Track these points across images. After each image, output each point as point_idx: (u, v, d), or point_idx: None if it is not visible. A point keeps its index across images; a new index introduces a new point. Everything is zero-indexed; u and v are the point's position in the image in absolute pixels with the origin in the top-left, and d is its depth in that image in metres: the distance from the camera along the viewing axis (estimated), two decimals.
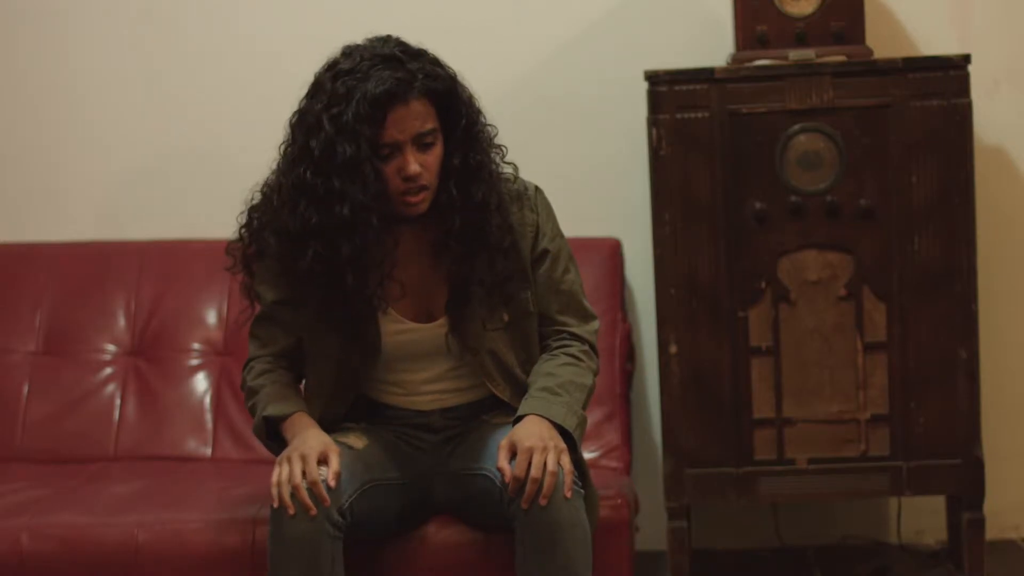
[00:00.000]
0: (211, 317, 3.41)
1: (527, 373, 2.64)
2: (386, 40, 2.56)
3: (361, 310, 2.56)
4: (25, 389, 3.37)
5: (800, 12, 3.22)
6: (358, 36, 3.54)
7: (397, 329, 2.62)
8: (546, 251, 2.66)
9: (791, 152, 3.14)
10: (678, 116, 3.14)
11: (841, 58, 3.18)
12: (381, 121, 2.46)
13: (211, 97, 3.62)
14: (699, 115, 3.14)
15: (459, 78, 2.58)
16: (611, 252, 3.46)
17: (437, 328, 2.62)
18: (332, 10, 3.59)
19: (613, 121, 3.55)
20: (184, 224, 3.58)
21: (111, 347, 3.41)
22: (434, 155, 2.52)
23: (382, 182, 2.49)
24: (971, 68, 3.13)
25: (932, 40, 3.50)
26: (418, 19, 3.56)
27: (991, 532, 3.37)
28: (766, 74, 3.14)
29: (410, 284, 2.61)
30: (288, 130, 2.56)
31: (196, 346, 3.40)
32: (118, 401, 3.36)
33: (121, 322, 3.43)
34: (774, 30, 3.21)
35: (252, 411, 2.64)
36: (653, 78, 3.15)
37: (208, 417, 3.34)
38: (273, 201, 2.55)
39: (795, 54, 3.16)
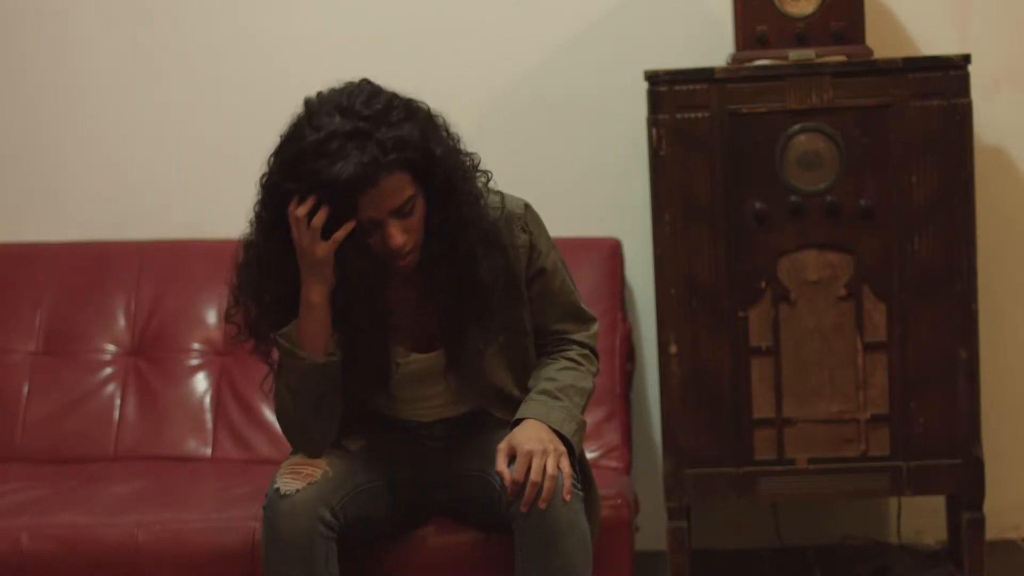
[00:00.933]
0: (211, 317, 3.41)
1: (523, 389, 2.62)
2: (350, 97, 2.42)
3: (375, 361, 2.56)
4: (25, 389, 3.37)
5: (800, 12, 3.22)
6: (358, 37, 3.58)
7: (399, 362, 2.61)
8: (542, 269, 2.62)
9: (791, 152, 3.14)
10: (678, 116, 3.14)
11: (841, 58, 3.18)
12: (354, 204, 2.38)
13: (211, 96, 3.62)
14: (699, 115, 3.14)
15: (433, 115, 2.47)
16: (611, 252, 3.46)
17: (436, 357, 2.61)
18: (332, 11, 3.59)
19: (613, 121, 3.55)
20: (184, 224, 3.58)
21: (111, 347, 3.41)
22: (417, 217, 2.44)
23: (364, 258, 2.44)
24: (971, 68, 3.13)
25: (932, 40, 3.49)
26: (418, 19, 3.57)
27: (991, 532, 3.37)
28: (766, 74, 3.14)
29: (406, 320, 2.58)
30: (260, 191, 2.47)
31: (196, 346, 3.40)
32: (118, 401, 3.35)
33: (121, 322, 3.43)
34: (774, 30, 3.21)
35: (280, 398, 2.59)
36: (653, 78, 3.15)
37: (208, 417, 3.34)
38: (261, 263, 2.50)
39: (795, 54, 3.16)
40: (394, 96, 2.46)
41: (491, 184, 2.61)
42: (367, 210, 2.39)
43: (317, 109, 2.43)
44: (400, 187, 2.40)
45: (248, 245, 2.52)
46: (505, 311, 2.57)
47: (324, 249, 2.42)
